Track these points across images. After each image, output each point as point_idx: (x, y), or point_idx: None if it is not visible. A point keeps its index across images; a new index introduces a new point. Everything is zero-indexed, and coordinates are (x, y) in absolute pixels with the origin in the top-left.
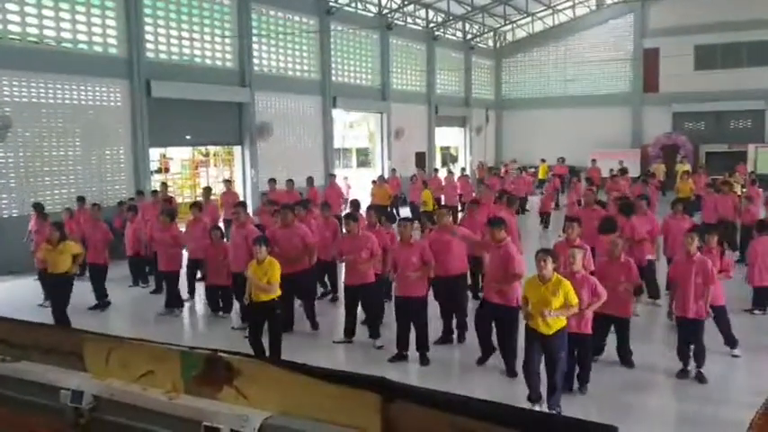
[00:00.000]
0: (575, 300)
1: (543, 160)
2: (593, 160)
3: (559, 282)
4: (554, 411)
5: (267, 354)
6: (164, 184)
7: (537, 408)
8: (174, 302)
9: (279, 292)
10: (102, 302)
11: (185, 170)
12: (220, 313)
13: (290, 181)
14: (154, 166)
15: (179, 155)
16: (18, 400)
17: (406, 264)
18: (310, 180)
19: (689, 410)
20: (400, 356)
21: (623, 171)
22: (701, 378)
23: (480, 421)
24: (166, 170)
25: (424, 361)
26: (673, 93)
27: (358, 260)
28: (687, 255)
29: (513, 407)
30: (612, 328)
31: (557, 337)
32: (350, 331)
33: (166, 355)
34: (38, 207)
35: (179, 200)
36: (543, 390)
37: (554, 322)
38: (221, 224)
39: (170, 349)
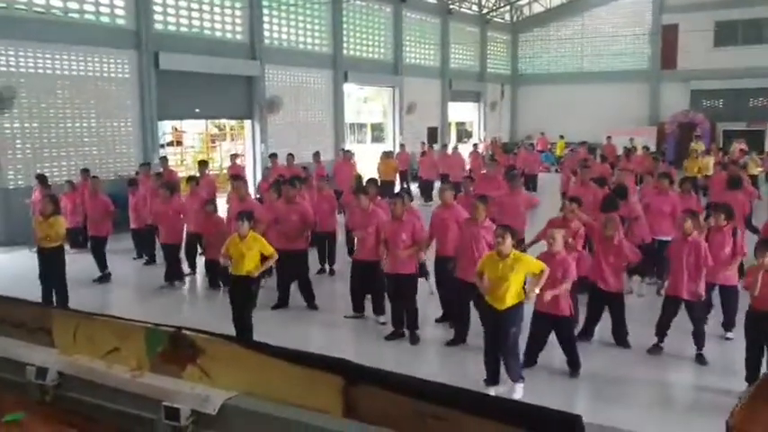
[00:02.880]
0: (538, 268)
1: (562, 137)
2: (609, 137)
3: (518, 258)
4: (519, 383)
5: (249, 332)
6: (163, 158)
7: (492, 391)
8: (175, 275)
9: (258, 272)
10: (104, 274)
11: (200, 144)
12: (221, 285)
13: (290, 155)
14: (167, 138)
15: (193, 128)
16: None
17: (395, 241)
18: (317, 155)
19: (684, 394)
20: (397, 334)
21: (645, 149)
22: (701, 360)
23: (442, 406)
24: (179, 143)
25: (414, 339)
26: (691, 70)
27: (366, 236)
28: (682, 235)
29: (475, 392)
30: (607, 309)
31: (509, 312)
32: (360, 307)
33: (132, 331)
34: (41, 178)
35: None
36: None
37: (509, 298)
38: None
39: (135, 326)
